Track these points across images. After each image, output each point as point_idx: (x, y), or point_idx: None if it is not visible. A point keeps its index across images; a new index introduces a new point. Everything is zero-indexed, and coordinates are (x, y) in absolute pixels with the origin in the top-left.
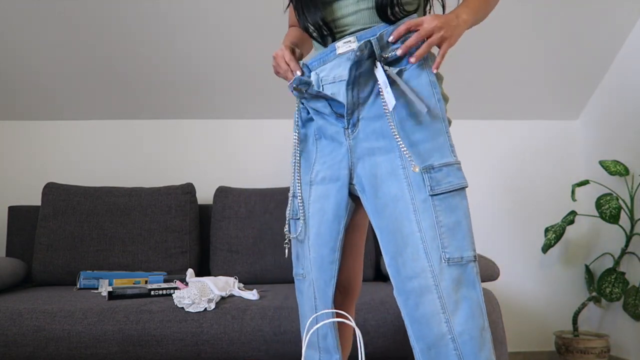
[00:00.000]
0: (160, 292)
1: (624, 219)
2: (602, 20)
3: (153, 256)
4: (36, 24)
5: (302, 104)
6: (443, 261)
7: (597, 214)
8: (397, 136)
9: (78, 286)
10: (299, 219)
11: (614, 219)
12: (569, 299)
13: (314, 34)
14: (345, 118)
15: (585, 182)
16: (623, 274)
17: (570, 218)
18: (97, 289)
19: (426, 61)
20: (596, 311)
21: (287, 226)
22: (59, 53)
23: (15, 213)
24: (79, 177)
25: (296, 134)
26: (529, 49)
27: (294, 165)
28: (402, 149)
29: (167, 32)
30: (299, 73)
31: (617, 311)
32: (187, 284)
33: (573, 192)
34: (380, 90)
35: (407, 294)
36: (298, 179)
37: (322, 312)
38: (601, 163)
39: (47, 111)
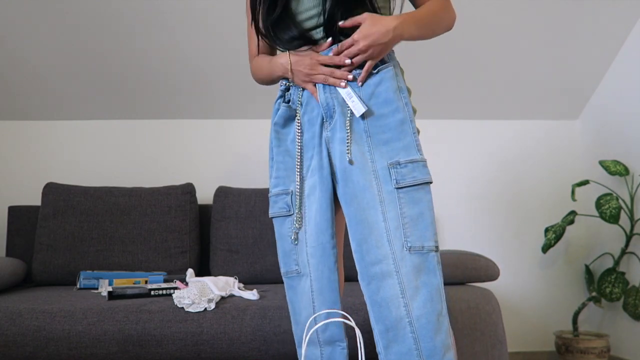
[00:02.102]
0: (160, 292)
1: (624, 219)
2: (602, 20)
3: (153, 256)
4: (36, 24)
5: (289, 100)
6: (405, 249)
7: (597, 214)
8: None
9: (78, 286)
10: (290, 215)
11: (614, 219)
12: (569, 299)
13: (295, 44)
14: (323, 111)
15: (585, 182)
16: (623, 274)
17: (570, 218)
18: (97, 289)
19: (396, 68)
20: (596, 311)
21: (281, 225)
22: (58, 53)
23: (15, 213)
24: (79, 177)
25: (299, 132)
26: (529, 49)
27: (297, 162)
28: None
29: (167, 32)
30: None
31: (617, 311)
32: (187, 284)
33: (573, 192)
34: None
35: (370, 279)
36: (298, 174)
37: (325, 311)
38: (601, 163)
39: (47, 111)
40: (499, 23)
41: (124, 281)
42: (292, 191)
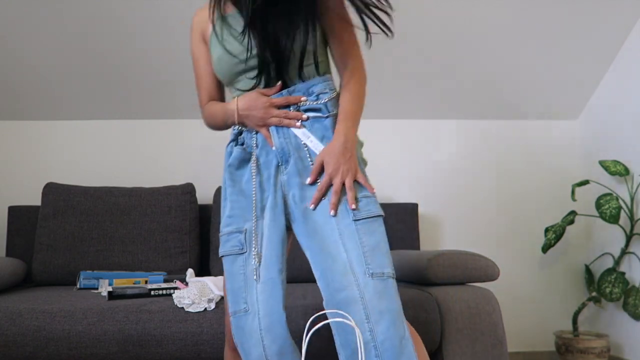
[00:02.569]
0: (160, 292)
1: (624, 219)
2: (602, 20)
3: (153, 256)
4: (36, 24)
5: (243, 142)
6: (367, 275)
7: (597, 214)
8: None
9: (78, 286)
10: (243, 253)
11: (614, 219)
12: (569, 299)
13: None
14: (278, 156)
15: (585, 182)
16: (623, 274)
17: (570, 218)
18: (97, 289)
19: (329, 119)
20: (596, 311)
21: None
22: (58, 53)
23: (15, 213)
24: (79, 177)
25: (254, 173)
26: (529, 48)
27: (253, 202)
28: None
29: (168, 32)
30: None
31: (617, 311)
32: (187, 284)
33: (573, 192)
34: (303, 141)
35: (336, 305)
36: (254, 213)
37: (325, 310)
38: (601, 163)
39: (47, 111)
40: (499, 23)
41: (124, 281)
42: (246, 230)
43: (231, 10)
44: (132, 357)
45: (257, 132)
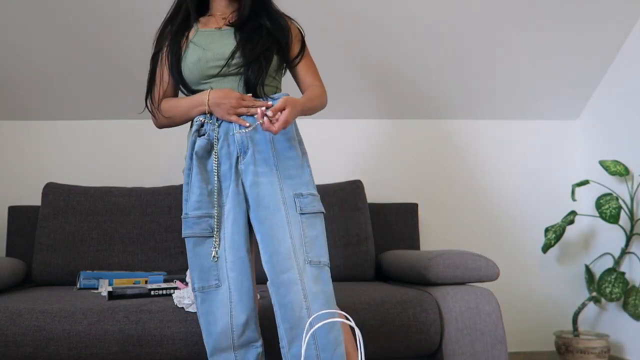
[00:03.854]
0: (160, 292)
1: (624, 219)
2: (602, 20)
3: (153, 256)
4: (36, 24)
5: (208, 133)
6: (306, 262)
7: (597, 214)
8: (276, 168)
9: (78, 286)
10: (211, 236)
11: (614, 219)
12: (569, 299)
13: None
14: (237, 147)
15: (585, 182)
16: (623, 274)
17: (570, 218)
18: (97, 289)
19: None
20: (596, 311)
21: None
22: (59, 53)
23: (15, 213)
24: (79, 177)
25: (216, 163)
26: (528, 48)
27: (215, 189)
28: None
29: None
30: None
31: (617, 311)
32: (187, 284)
33: (573, 192)
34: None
35: (279, 285)
36: (217, 201)
37: (325, 311)
38: (601, 163)
39: (47, 111)
40: (499, 23)
41: (124, 281)
42: (215, 215)
43: (207, 27)
44: (132, 357)
45: (219, 126)
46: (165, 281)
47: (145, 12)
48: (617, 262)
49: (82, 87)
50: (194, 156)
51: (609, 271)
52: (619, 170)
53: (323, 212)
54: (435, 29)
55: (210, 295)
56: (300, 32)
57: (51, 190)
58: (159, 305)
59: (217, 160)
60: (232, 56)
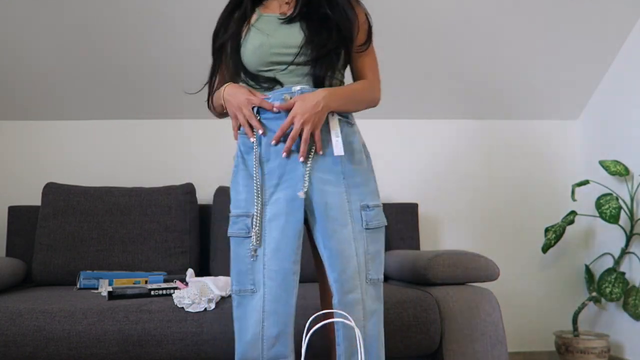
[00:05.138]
0: (160, 292)
1: (624, 219)
2: (602, 20)
3: (153, 256)
4: (36, 23)
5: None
6: (367, 281)
7: (597, 214)
8: (343, 176)
9: (78, 286)
10: (248, 237)
11: (614, 219)
12: (569, 299)
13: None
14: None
15: (585, 182)
16: (623, 274)
17: (570, 218)
18: (97, 289)
19: (353, 127)
20: (596, 311)
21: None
22: (59, 53)
23: (15, 213)
24: (79, 177)
25: (256, 157)
26: (529, 48)
27: (256, 186)
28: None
29: (168, 31)
30: (260, 132)
31: (617, 311)
32: (187, 284)
33: (573, 192)
34: (330, 137)
35: (345, 305)
36: (257, 199)
37: (325, 311)
38: (601, 163)
39: (47, 111)
40: (499, 23)
41: (124, 281)
42: (252, 214)
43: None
44: (132, 357)
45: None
46: (165, 281)
47: (145, 12)
48: (617, 262)
49: (82, 87)
50: (240, 152)
51: (609, 271)
52: (619, 170)
53: (386, 225)
54: (435, 28)
55: (245, 300)
56: (368, 20)
57: (51, 190)
58: (159, 305)
59: (256, 160)
60: (300, 50)
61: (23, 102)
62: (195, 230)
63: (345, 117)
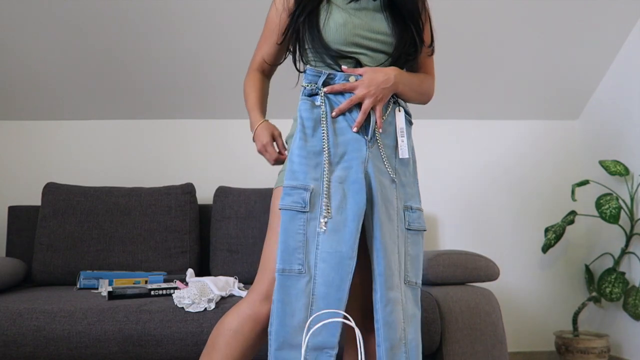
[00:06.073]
0: (160, 292)
1: (624, 219)
2: (602, 20)
3: (153, 256)
4: (36, 23)
5: (327, 99)
6: (405, 282)
7: (597, 214)
8: (394, 173)
9: (78, 286)
10: (304, 212)
11: (614, 219)
12: (569, 299)
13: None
14: (368, 132)
15: (585, 182)
16: (623, 274)
17: (570, 218)
18: (97, 289)
19: (411, 127)
20: (596, 311)
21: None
22: (59, 53)
23: (15, 213)
24: (79, 177)
25: (324, 133)
26: (529, 48)
27: (324, 163)
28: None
29: (168, 32)
30: (286, 153)
31: (617, 311)
32: (187, 284)
33: (573, 192)
34: (397, 135)
35: (387, 301)
36: (327, 177)
37: (324, 311)
38: (601, 163)
39: (47, 111)
40: (499, 23)
41: (124, 281)
42: (313, 189)
43: None
44: (132, 357)
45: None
46: (165, 281)
47: (145, 12)
48: (617, 262)
49: (82, 87)
50: (300, 120)
51: (608, 271)
52: (619, 170)
53: (425, 230)
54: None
55: (291, 281)
56: (429, 17)
57: (51, 190)
58: (159, 305)
59: (326, 127)
60: (386, 39)
61: (23, 102)
62: (195, 231)
63: (408, 114)
